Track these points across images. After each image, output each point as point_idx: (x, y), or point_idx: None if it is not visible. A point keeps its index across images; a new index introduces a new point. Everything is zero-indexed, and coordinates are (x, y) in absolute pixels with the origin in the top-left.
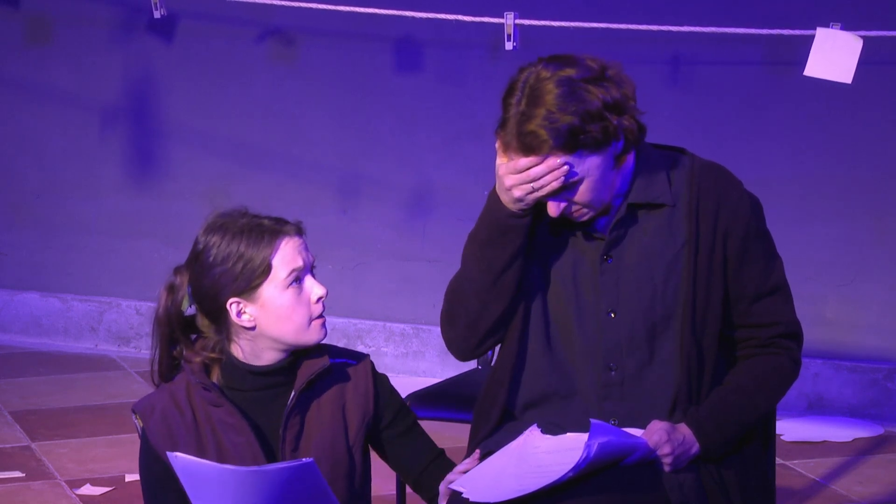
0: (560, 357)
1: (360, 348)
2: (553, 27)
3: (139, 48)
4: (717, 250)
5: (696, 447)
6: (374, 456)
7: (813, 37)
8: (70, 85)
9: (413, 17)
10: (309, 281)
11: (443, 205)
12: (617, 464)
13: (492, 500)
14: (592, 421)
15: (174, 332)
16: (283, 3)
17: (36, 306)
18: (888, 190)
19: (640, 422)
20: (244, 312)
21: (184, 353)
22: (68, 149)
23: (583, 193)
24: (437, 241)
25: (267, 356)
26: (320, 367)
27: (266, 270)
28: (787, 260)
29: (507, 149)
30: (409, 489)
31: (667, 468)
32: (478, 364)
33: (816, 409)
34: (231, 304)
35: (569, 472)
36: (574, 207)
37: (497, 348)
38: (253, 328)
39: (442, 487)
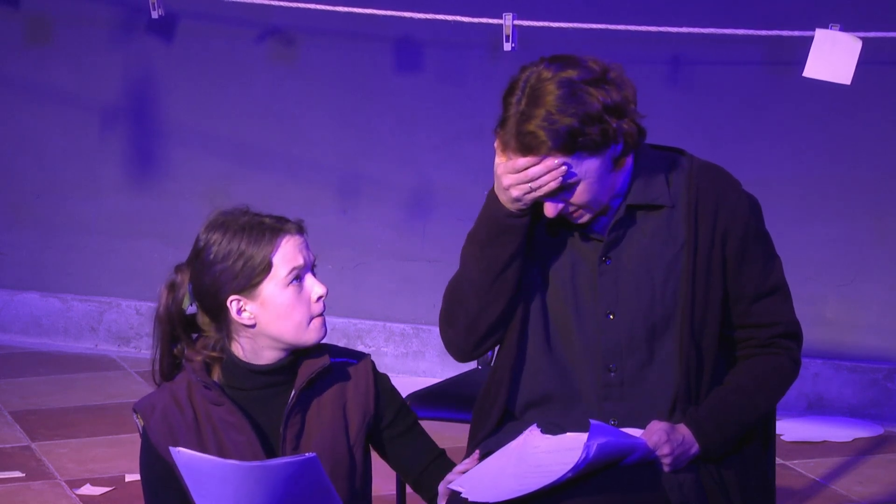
0: (560, 357)
1: (360, 348)
2: (552, 28)
3: (139, 48)
4: (716, 251)
5: (695, 447)
6: (374, 456)
7: (812, 38)
8: (70, 85)
9: (413, 18)
10: (309, 279)
11: (443, 205)
12: (616, 464)
13: (491, 500)
14: (592, 421)
15: (175, 330)
16: (283, 3)
17: (36, 306)
18: (888, 190)
19: (640, 422)
20: (244, 310)
21: (185, 351)
22: (68, 149)
23: (580, 195)
24: (437, 241)
25: (267, 355)
26: (321, 366)
27: (266, 268)
28: (787, 260)
29: (505, 148)
30: (409, 489)
31: (666, 468)
32: (478, 364)
33: (816, 409)
34: (231, 302)
35: (568, 472)
36: (571, 208)
37: (497, 348)
38: (253, 326)
39: (441, 488)
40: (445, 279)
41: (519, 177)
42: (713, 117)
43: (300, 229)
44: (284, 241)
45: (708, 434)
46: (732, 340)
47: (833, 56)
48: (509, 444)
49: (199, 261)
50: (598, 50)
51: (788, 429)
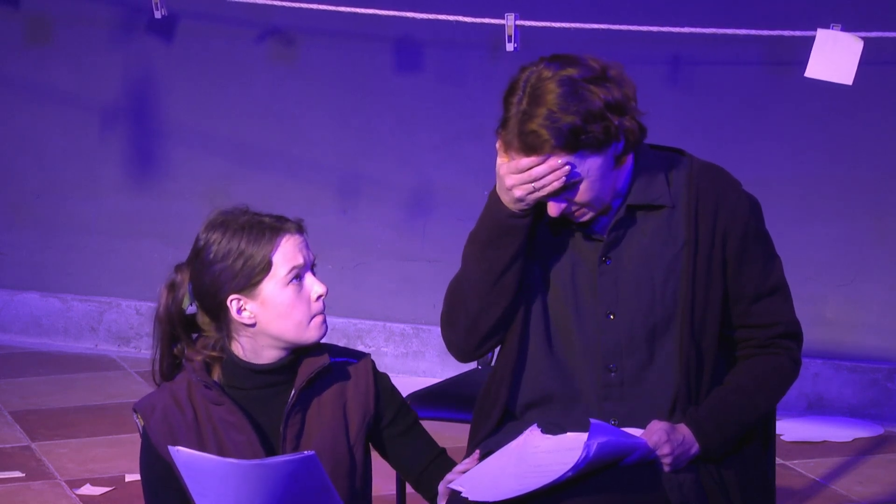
0: (560, 358)
1: (360, 348)
2: (553, 28)
3: (139, 48)
4: (717, 251)
5: (695, 447)
6: (374, 455)
7: (813, 38)
8: (70, 85)
9: (413, 18)
10: (309, 279)
11: (443, 205)
12: (616, 464)
13: (491, 500)
14: (592, 421)
15: (175, 330)
16: (283, 3)
17: (36, 306)
18: (888, 190)
19: (641, 422)
20: (244, 309)
21: (185, 351)
22: (68, 149)
23: (583, 193)
24: (437, 241)
25: (267, 354)
26: (321, 365)
27: (266, 267)
28: (787, 260)
29: (508, 148)
30: (409, 489)
31: (666, 468)
32: (478, 364)
33: (816, 409)
34: (231, 301)
35: (568, 471)
36: (574, 207)
37: (497, 349)
38: (253, 325)
39: (441, 487)
40: (445, 279)
41: (522, 177)
42: (713, 117)
43: (300, 228)
44: (284, 240)
45: (708, 434)
46: (732, 340)
47: (834, 56)
48: (509, 444)
49: (198, 260)
50: (599, 50)
51: (788, 429)
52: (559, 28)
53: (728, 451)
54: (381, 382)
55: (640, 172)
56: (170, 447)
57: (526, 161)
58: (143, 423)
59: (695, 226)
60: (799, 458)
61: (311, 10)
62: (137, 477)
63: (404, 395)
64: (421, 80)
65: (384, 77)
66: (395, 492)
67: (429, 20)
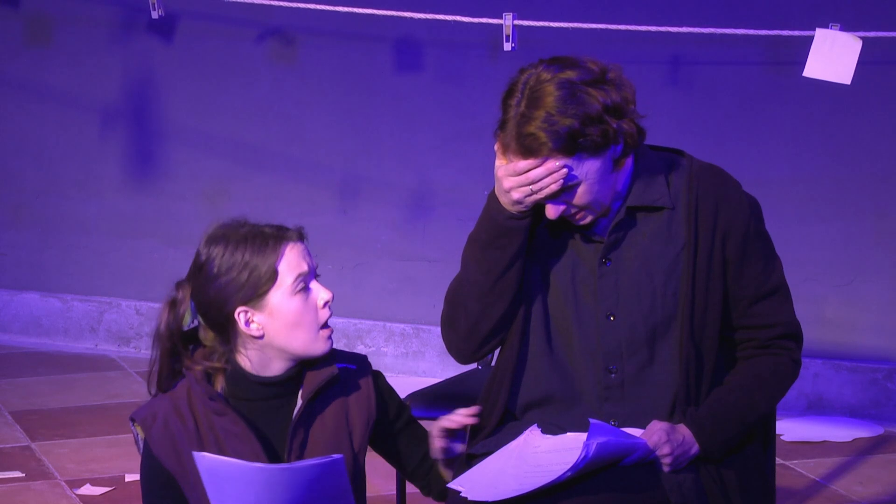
0: (560, 359)
1: (360, 348)
2: (552, 28)
3: (139, 48)
4: (717, 252)
5: (695, 448)
6: (374, 455)
7: (812, 37)
8: (70, 85)
9: (413, 18)
10: (315, 286)
11: (443, 205)
12: (616, 464)
13: (490, 500)
14: (592, 421)
15: (175, 346)
16: (283, 3)
17: (36, 306)
18: (888, 190)
19: (641, 423)
20: (252, 321)
21: (185, 362)
22: (68, 149)
23: (581, 196)
24: (437, 241)
25: (275, 366)
26: (329, 375)
27: (272, 277)
28: (787, 260)
29: (506, 150)
30: (409, 489)
31: (666, 468)
32: (478, 364)
33: (816, 409)
34: (239, 314)
35: (567, 471)
36: (573, 210)
37: (497, 349)
38: (261, 337)
39: (434, 430)
40: (445, 279)
41: (520, 179)
42: (713, 117)
43: (301, 236)
44: (288, 248)
45: (708, 434)
46: (733, 341)
47: (833, 56)
48: (509, 444)
49: (201, 275)
50: (599, 50)
51: (788, 429)
52: (557, 28)
53: (728, 452)
54: (380, 384)
55: (639, 174)
56: (193, 452)
57: (524, 164)
58: (142, 435)
59: (695, 227)
60: (799, 458)
61: (311, 10)
62: (137, 477)
63: (404, 395)
64: (421, 80)
65: (384, 77)
66: (395, 492)
67: (428, 20)
